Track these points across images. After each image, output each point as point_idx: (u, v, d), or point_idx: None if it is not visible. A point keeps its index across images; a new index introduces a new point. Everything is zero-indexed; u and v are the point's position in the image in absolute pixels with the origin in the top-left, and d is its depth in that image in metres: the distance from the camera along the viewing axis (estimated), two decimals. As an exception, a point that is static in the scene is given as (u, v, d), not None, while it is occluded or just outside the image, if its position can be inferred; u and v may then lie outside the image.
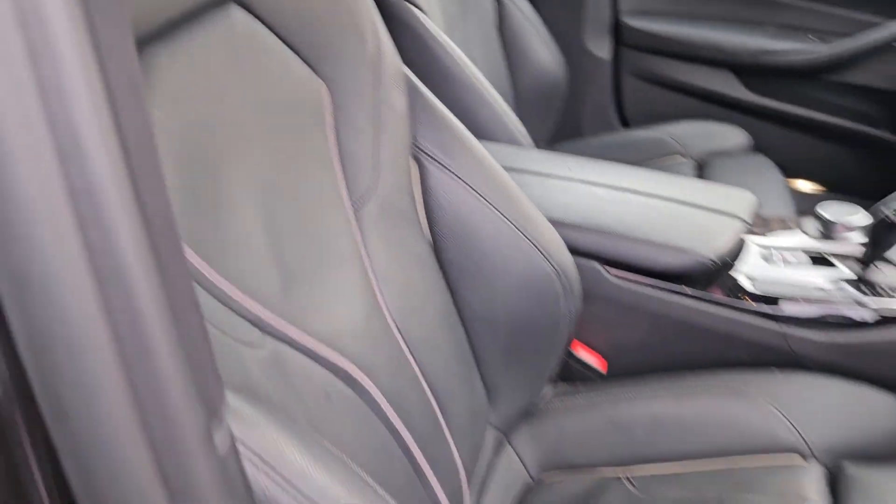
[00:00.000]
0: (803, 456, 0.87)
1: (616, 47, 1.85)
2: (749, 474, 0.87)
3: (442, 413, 0.77)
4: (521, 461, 0.96)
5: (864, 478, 0.82)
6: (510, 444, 0.96)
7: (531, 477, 0.96)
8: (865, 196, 1.63)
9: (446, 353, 0.80)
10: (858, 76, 1.70)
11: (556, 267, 0.85)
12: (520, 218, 0.83)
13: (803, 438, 0.88)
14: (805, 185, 1.82)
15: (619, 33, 1.83)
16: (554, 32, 1.63)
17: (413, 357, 0.74)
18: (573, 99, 1.77)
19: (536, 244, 0.83)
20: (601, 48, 1.85)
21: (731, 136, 1.66)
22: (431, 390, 0.75)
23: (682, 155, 1.61)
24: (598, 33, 1.83)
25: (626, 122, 1.89)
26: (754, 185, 1.21)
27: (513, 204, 0.84)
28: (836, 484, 0.84)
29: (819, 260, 1.02)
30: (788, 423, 0.89)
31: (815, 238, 1.05)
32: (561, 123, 1.72)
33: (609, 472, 0.92)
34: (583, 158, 1.18)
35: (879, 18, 1.65)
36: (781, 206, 1.39)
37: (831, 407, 0.93)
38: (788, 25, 1.72)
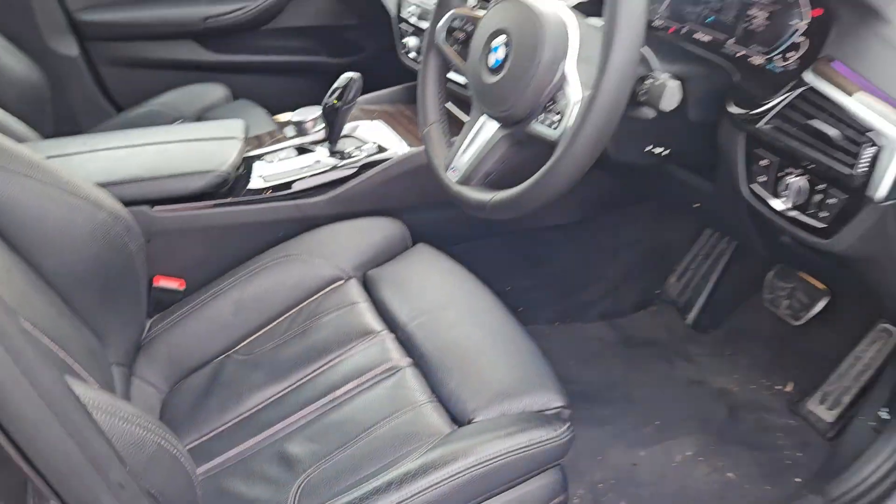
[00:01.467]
0: (345, 279, 1.23)
1: (82, 42, 1.95)
2: (317, 305, 1.19)
3: (70, 356, 0.89)
4: (151, 384, 1.14)
5: (380, 275, 1.22)
6: (135, 374, 1.12)
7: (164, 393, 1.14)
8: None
9: (49, 312, 0.93)
10: (291, 20, 2.13)
11: (109, 213, 1.02)
12: (63, 185, 0.98)
13: (338, 267, 1.23)
14: (285, 116, 2.22)
15: (78, 29, 1.94)
16: (14, 40, 1.67)
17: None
18: (60, 99, 1.84)
19: (86, 199, 0.99)
20: (67, 46, 1.93)
21: (214, 91, 1.93)
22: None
23: (182, 118, 1.83)
24: (58, 33, 1.91)
25: (119, 108, 2.03)
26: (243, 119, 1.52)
27: (53, 176, 0.98)
28: (367, 285, 1.22)
29: (303, 150, 1.39)
30: (326, 262, 1.23)
31: (294, 137, 1.42)
32: (57, 123, 1.79)
33: (220, 358, 1.16)
34: (100, 134, 1.33)
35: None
36: (268, 127, 1.73)
37: (350, 240, 1.29)
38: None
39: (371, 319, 1.13)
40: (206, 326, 1.18)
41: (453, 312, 1.12)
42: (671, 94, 0.87)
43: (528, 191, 0.88)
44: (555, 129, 0.87)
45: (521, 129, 0.94)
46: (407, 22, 1.57)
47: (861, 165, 0.81)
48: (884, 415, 1.13)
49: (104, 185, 1.09)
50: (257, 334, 1.18)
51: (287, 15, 2.10)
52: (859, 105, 0.82)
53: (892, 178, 0.79)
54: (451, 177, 1.03)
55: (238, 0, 2.04)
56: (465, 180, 1.01)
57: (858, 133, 0.82)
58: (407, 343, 1.09)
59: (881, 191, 0.80)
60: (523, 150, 0.98)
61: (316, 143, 1.40)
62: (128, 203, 1.10)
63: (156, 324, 1.19)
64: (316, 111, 1.41)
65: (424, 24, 1.51)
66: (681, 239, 1.69)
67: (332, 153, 1.37)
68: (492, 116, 0.98)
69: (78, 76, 1.97)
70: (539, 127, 0.90)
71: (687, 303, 1.65)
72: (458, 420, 0.97)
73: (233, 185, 1.28)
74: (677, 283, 1.68)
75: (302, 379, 1.08)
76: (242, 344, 1.17)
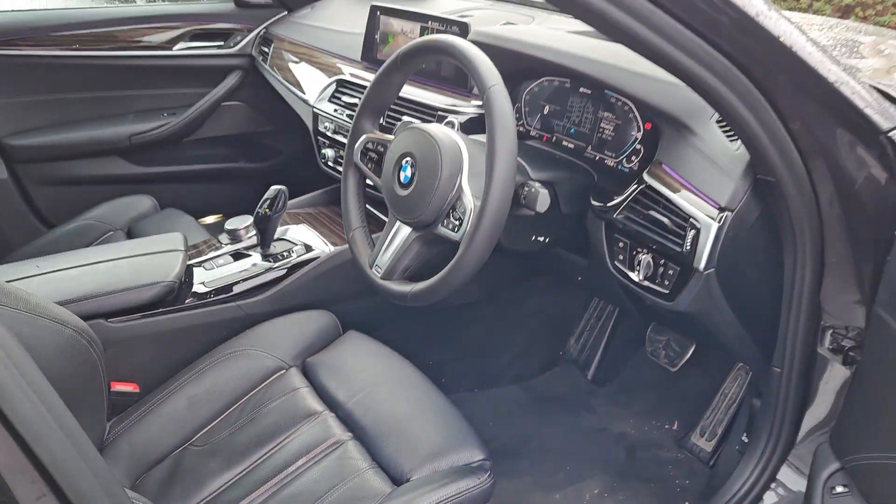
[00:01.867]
0: (286, 368, 1.38)
1: (10, 165, 2.06)
2: (263, 394, 1.33)
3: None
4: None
5: (317, 362, 1.38)
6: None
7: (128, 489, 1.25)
8: (252, 210, 2.29)
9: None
10: (211, 131, 2.31)
11: (74, 329, 1.16)
12: (31, 308, 1.11)
13: (280, 358, 1.39)
14: (210, 219, 2.38)
15: (6, 153, 2.05)
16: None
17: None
18: (-10, 221, 1.94)
19: (52, 319, 1.13)
20: (-5, 170, 2.04)
21: (141, 203, 2.06)
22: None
23: (113, 229, 1.96)
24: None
25: (49, 224, 2.13)
26: (176, 230, 1.68)
27: (22, 301, 1.11)
28: (306, 372, 1.38)
29: (238, 255, 1.56)
30: (268, 354, 1.39)
31: (230, 244, 1.59)
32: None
33: (179, 450, 1.29)
34: (50, 257, 1.45)
35: (205, 89, 2.28)
36: (201, 236, 1.89)
37: (288, 333, 1.45)
38: (146, 110, 2.22)
39: (313, 402, 1.29)
40: (164, 423, 1.31)
41: (385, 389, 1.30)
42: (543, 199, 1.11)
43: (441, 282, 1.09)
44: (456, 231, 1.09)
45: (429, 232, 1.15)
46: (324, 135, 1.79)
47: (687, 244, 1.07)
48: (744, 439, 1.38)
49: (63, 304, 1.22)
50: (211, 425, 1.32)
51: (207, 126, 2.30)
52: (681, 199, 1.09)
53: (707, 253, 1.05)
54: (376, 273, 1.23)
55: (161, 117, 2.22)
56: (388, 275, 1.21)
57: (683, 220, 1.08)
58: (347, 420, 1.25)
59: (702, 263, 1.06)
60: (433, 248, 1.20)
61: (249, 248, 1.57)
62: (86, 318, 1.23)
63: (115, 425, 1.31)
64: (247, 220, 1.59)
65: (339, 138, 1.73)
66: (575, 306, 1.95)
67: (266, 257, 1.54)
68: (405, 222, 1.20)
69: (7, 197, 2.07)
70: (444, 230, 1.12)
71: (586, 361, 1.89)
72: (396, 481, 1.13)
73: (178, 292, 1.44)
74: (576, 345, 1.92)
75: (256, 461, 1.21)
76: (198, 435, 1.30)
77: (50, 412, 0.61)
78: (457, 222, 1.09)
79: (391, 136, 1.25)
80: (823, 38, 1.54)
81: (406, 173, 1.16)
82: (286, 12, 2.27)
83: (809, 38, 0.89)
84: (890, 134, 0.94)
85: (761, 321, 1.15)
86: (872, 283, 1.02)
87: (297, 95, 1.90)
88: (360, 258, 1.28)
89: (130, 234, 1.94)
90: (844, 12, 6.26)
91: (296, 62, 2.02)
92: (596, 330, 1.90)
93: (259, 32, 2.26)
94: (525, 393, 1.85)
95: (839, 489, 1.02)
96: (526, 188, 1.14)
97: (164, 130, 2.21)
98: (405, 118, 1.46)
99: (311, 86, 1.89)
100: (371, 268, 1.24)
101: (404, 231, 1.20)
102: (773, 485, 1.26)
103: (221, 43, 2.25)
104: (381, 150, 1.27)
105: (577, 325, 1.94)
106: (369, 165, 1.30)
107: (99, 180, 2.17)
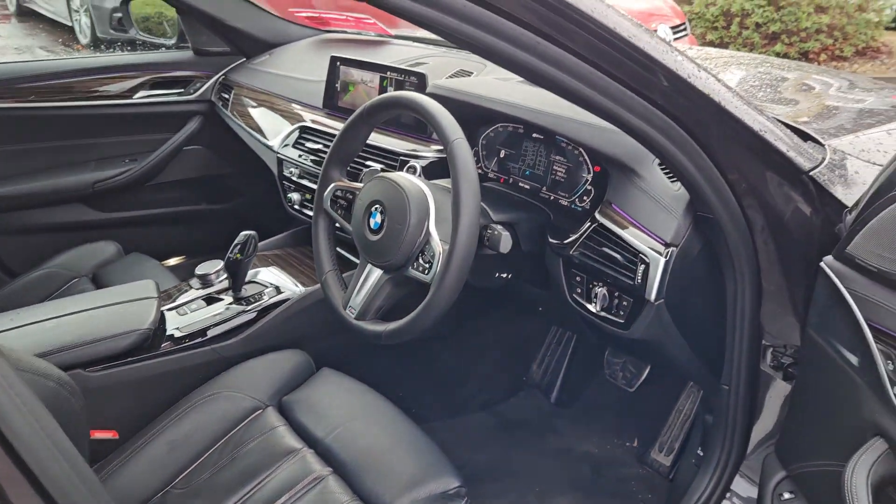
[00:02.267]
0: (263, 408, 1.43)
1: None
2: (242, 434, 1.37)
3: None
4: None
5: (293, 400, 1.43)
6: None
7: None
8: (215, 251, 2.32)
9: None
10: (170, 175, 2.35)
11: (56, 382, 1.19)
12: (13, 362, 1.14)
13: (256, 398, 1.43)
14: (175, 261, 2.41)
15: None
16: None
17: None
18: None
19: (34, 372, 1.16)
20: (-44, 222, 2.04)
21: (105, 249, 2.08)
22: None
23: (77, 276, 1.97)
24: None
25: (13, 274, 2.13)
26: (143, 274, 1.71)
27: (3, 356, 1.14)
28: (283, 410, 1.43)
29: (210, 300, 1.61)
30: (245, 395, 1.43)
31: (201, 288, 1.63)
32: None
33: (161, 493, 1.32)
34: (23, 309, 1.47)
35: (166, 135, 2.32)
36: (169, 281, 1.92)
37: (264, 373, 1.49)
38: (107, 157, 2.24)
39: (291, 440, 1.34)
40: (145, 468, 1.34)
41: (360, 423, 1.35)
42: (506, 241, 1.20)
43: (414, 321, 1.16)
44: (426, 273, 1.17)
45: (400, 274, 1.23)
46: (289, 180, 1.85)
47: (638, 278, 1.17)
48: (699, 452, 1.48)
49: (42, 356, 1.25)
50: (192, 467, 1.35)
51: (169, 171, 2.33)
52: (631, 236, 1.19)
53: (657, 285, 1.15)
54: (350, 314, 1.29)
55: (123, 163, 2.25)
56: (362, 316, 1.28)
57: (633, 255, 1.18)
58: (326, 455, 1.31)
59: (653, 294, 1.16)
60: (403, 289, 1.27)
61: (221, 291, 1.62)
62: (65, 369, 1.26)
63: (97, 472, 1.33)
64: (217, 264, 1.63)
65: (305, 182, 1.80)
66: (535, 333, 2.04)
67: (238, 300, 1.59)
68: (376, 265, 1.27)
69: (-32, 248, 2.07)
70: (414, 272, 1.20)
71: (548, 385, 1.98)
72: None
73: (153, 338, 1.47)
74: (538, 370, 2.01)
75: (239, 500, 1.25)
76: (180, 478, 1.33)
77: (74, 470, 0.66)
78: (426, 265, 1.17)
79: (359, 185, 1.33)
80: (750, 77, 1.69)
81: (376, 220, 1.24)
82: (244, 59, 2.34)
83: (735, 92, 1.00)
84: (811, 173, 1.06)
85: (709, 344, 1.25)
86: (804, 306, 1.14)
87: (260, 141, 1.96)
88: (334, 300, 1.34)
89: (96, 281, 1.96)
90: (772, 39, 6.62)
91: (256, 108, 2.09)
92: (556, 355, 1.99)
93: (218, 79, 2.32)
94: (493, 418, 1.92)
95: (787, 495, 1.13)
96: (489, 230, 1.23)
97: (127, 176, 2.24)
98: (370, 164, 1.55)
99: (273, 132, 1.96)
100: (345, 309, 1.31)
101: (375, 273, 1.27)
102: (728, 494, 1.35)
103: (182, 90, 2.30)
104: (350, 197, 1.34)
105: (539, 351, 2.03)
106: (339, 212, 1.37)
107: (61, 227, 2.18)
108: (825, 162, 1.11)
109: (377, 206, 1.24)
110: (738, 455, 1.31)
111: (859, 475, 0.84)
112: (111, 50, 6.35)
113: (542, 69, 0.89)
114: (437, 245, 1.16)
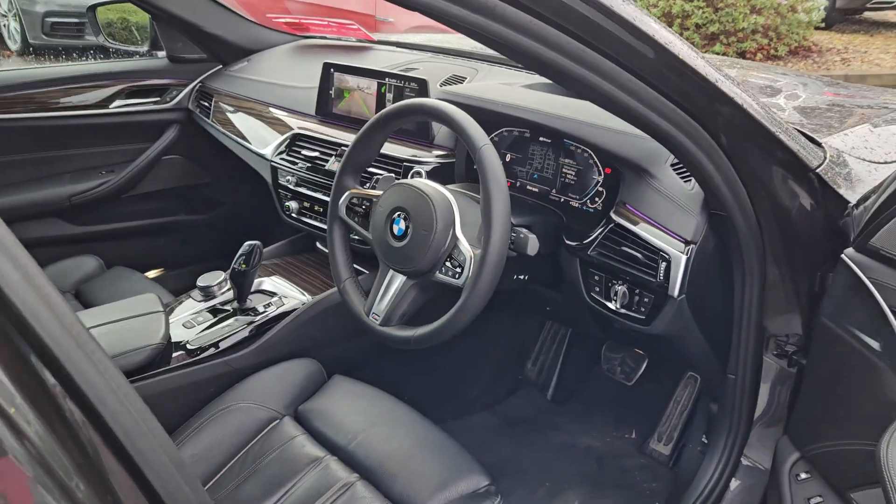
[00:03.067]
0: (280, 417, 1.42)
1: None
2: (262, 445, 1.36)
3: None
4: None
5: (310, 408, 1.43)
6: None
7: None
8: (195, 262, 2.28)
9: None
10: (148, 185, 2.30)
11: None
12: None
13: (272, 409, 1.43)
14: (154, 273, 2.36)
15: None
16: None
17: None
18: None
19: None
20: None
21: (86, 263, 2.03)
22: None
23: (61, 291, 1.90)
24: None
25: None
26: (130, 288, 1.68)
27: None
28: (299, 419, 1.43)
29: (216, 311, 1.59)
30: (261, 406, 1.42)
31: (204, 300, 1.61)
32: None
33: None
34: None
35: (143, 144, 2.26)
36: (161, 294, 1.89)
37: (278, 383, 1.48)
38: (82, 168, 2.18)
39: (312, 448, 1.34)
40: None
41: (382, 428, 1.37)
42: (533, 243, 1.24)
43: (446, 324, 1.18)
44: (457, 278, 1.19)
45: (426, 279, 1.25)
46: (285, 188, 1.84)
47: (660, 275, 1.22)
48: (704, 440, 1.54)
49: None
50: (214, 480, 1.33)
51: (147, 181, 2.28)
52: (650, 235, 1.24)
53: (679, 282, 1.20)
54: (374, 320, 1.30)
55: (100, 175, 2.19)
56: (386, 322, 1.29)
57: (654, 253, 1.23)
58: (350, 461, 1.31)
59: (675, 291, 1.21)
60: (427, 294, 1.29)
61: (225, 303, 1.60)
62: None
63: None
64: (219, 275, 1.62)
65: (302, 190, 1.79)
66: (529, 332, 2.08)
67: (244, 311, 1.58)
68: (399, 271, 1.28)
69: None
70: (443, 277, 1.22)
71: (544, 382, 2.02)
72: None
73: (163, 353, 1.45)
74: (533, 368, 2.05)
75: (267, 512, 1.26)
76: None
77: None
78: (458, 269, 1.19)
79: (377, 192, 1.34)
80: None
81: (399, 226, 1.25)
82: (220, 66, 2.31)
83: (754, 96, 1.06)
84: (817, 170, 1.13)
85: (720, 336, 1.32)
86: (809, 297, 1.21)
87: (250, 150, 1.94)
88: (355, 307, 1.35)
89: (80, 297, 1.91)
90: (711, 39, 6.86)
91: (240, 116, 2.06)
92: (551, 353, 2.04)
93: (195, 86, 2.28)
94: (495, 418, 1.96)
95: (803, 475, 1.19)
96: (513, 234, 1.26)
97: (104, 189, 2.18)
98: (373, 171, 1.56)
99: (261, 139, 1.94)
100: (368, 315, 1.32)
101: (399, 280, 1.28)
102: (734, 477, 1.42)
103: (158, 98, 2.25)
104: (367, 204, 1.35)
105: (532, 349, 2.07)
106: (355, 219, 1.37)
107: (38, 243, 2.11)
108: (827, 160, 1.18)
109: (400, 212, 1.25)
110: (743, 440, 1.38)
111: (893, 450, 0.91)
112: (42, 57, 6.12)
113: (579, 73, 0.92)
114: (467, 249, 1.18)
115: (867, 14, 8.98)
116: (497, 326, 2.02)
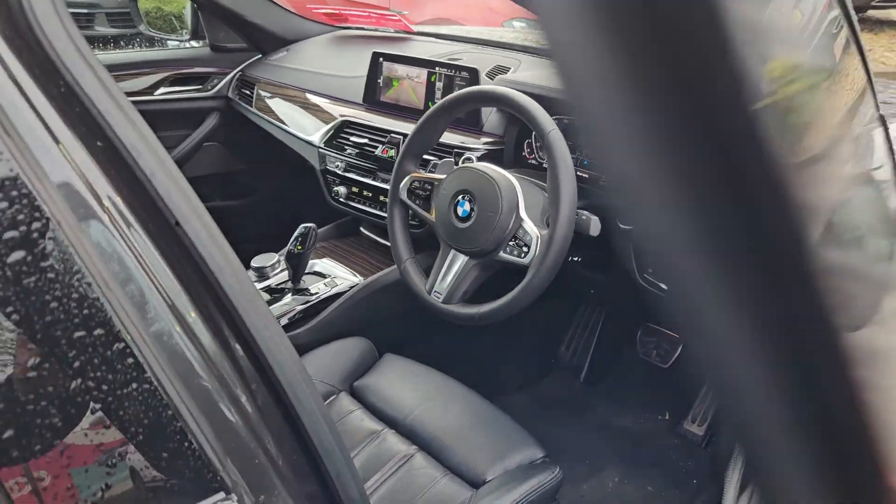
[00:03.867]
0: (337, 392, 1.48)
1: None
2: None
3: None
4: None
5: (365, 385, 1.49)
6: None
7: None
8: (233, 246, 2.32)
9: None
10: (187, 172, 2.32)
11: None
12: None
13: (330, 384, 1.49)
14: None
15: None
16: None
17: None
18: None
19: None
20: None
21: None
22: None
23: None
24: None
25: None
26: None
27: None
28: (355, 394, 1.48)
29: (270, 291, 1.64)
30: (319, 381, 1.48)
31: (258, 280, 1.66)
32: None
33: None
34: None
35: (185, 131, 2.31)
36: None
37: (334, 360, 1.54)
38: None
39: (370, 422, 1.40)
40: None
41: (436, 403, 1.42)
42: (595, 224, 1.30)
43: (511, 301, 1.24)
44: (523, 257, 1.25)
45: (489, 259, 1.31)
46: (334, 174, 1.89)
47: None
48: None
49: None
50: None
51: (186, 168, 2.33)
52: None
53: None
54: (436, 298, 1.36)
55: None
56: (448, 300, 1.35)
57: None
58: (409, 434, 1.37)
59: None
60: (488, 272, 1.35)
61: (279, 283, 1.65)
62: None
63: None
64: (272, 257, 1.67)
65: (351, 175, 1.85)
66: (562, 316, 2.14)
67: (299, 291, 1.63)
68: (461, 251, 1.34)
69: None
70: (507, 256, 1.28)
71: (578, 365, 2.08)
72: (474, 483, 1.26)
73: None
74: (567, 351, 2.12)
75: (329, 482, 1.31)
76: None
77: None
78: (524, 249, 1.25)
79: (439, 175, 1.39)
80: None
81: (464, 208, 1.31)
82: (260, 55, 2.35)
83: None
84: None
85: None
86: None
87: (296, 136, 2.00)
88: (417, 286, 1.41)
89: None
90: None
91: (285, 104, 2.11)
92: (584, 336, 2.10)
93: (235, 75, 2.33)
94: (530, 399, 2.02)
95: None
96: (577, 215, 1.31)
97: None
98: (427, 157, 1.61)
99: (306, 127, 1.99)
100: (430, 294, 1.38)
101: (461, 259, 1.34)
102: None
103: (199, 86, 2.30)
104: (429, 187, 1.41)
105: (566, 333, 2.13)
106: (417, 202, 1.43)
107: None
108: None
109: (465, 195, 1.31)
110: None
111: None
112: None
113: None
114: (533, 230, 1.24)
115: (871, 12, 9.05)
116: (532, 309, 2.08)
